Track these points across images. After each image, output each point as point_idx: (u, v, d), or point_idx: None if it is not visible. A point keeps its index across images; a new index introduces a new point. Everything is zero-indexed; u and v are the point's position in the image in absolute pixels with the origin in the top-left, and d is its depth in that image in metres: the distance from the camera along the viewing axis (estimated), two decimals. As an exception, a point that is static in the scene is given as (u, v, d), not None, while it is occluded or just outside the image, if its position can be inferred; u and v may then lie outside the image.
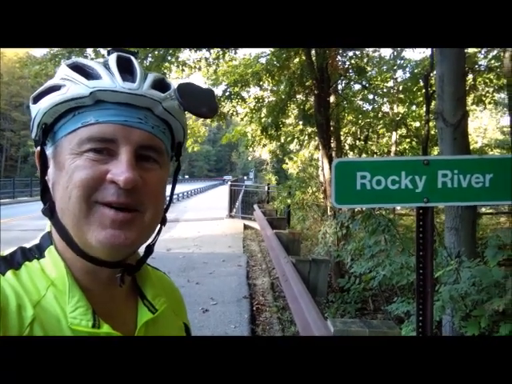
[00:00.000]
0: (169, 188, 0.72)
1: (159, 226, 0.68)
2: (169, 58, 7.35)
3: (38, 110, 0.61)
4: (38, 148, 0.63)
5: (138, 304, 0.69)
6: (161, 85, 0.63)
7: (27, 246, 0.65)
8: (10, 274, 0.58)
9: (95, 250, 0.59)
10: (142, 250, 0.71)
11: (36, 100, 0.61)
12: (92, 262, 0.61)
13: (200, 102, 0.63)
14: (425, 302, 1.81)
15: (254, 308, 5.16)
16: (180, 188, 30.86)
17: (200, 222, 13.34)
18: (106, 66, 0.61)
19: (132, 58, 0.63)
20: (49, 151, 0.62)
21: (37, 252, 0.63)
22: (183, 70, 8.25)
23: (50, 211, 0.61)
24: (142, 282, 0.71)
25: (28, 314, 0.54)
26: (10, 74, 37.04)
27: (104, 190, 0.57)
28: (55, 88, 0.60)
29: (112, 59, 0.61)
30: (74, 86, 0.58)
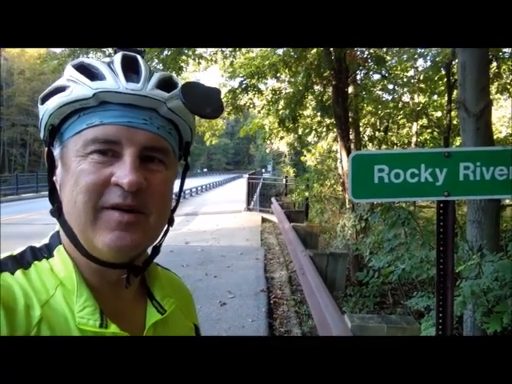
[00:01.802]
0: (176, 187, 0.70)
1: (166, 226, 0.67)
2: (185, 51, 7.34)
3: (44, 110, 0.61)
4: (46, 148, 0.63)
5: (146, 304, 0.68)
6: (167, 84, 0.62)
7: (37, 245, 0.65)
8: (19, 273, 0.58)
9: (101, 253, 0.59)
10: (149, 249, 0.70)
11: (43, 101, 0.61)
12: (98, 263, 0.60)
13: (204, 102, 0.61)
14: (445, 298, 1.76)
15: (272, 301, 5.16)
16: (199, 181, 31.06)
17: (218, 215, 13.41)
18: (110, 66, 0.60)
19: (138, 56, 0.62)
20: (56, 152, 0.62)
21: (46, 251, 0.63)
22: (199, 63, 8.23)
23: (57, 212, 0.62)
24: (151, 282, 0.71)
25: (36, 313, 0.54)
26: (31, 70, 37.85)
27: (109, 193, 0.56)
28: (60, 89, 0.60)
29: (117, 59, 0.61)
30: (77, 87, 0.58)
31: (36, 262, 0.60)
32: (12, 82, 39.40)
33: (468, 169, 1.73)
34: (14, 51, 40.70)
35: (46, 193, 0.64)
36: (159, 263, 0.83)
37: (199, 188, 25.96)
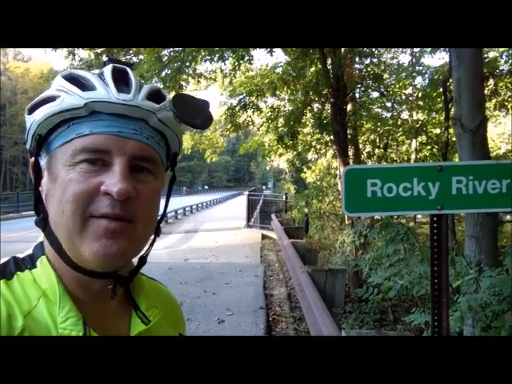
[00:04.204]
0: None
1: (153, 236, 0.68)
2: (185, 69, 7.44)
3: (32, 121, 0.61)
4: (33, 158, 0.63)
5: (131, 315, 0.68)
6: (156, 96, 0.63)
7: (20, 255, 0.65)
8: (1, 283, 0.58)
9: (87, 262, 0.58)
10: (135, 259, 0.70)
11: (31, 111, 0.61)
12: (83, 273, 0.60)
13: (194, 112, 0.63)
14: (440, 313, 1.74)
15: (271, 319, 5.10)
16: (199, 198, 31.08)
17: (218, 232, 13.37)
18: (101, 77, 0.61)
19: (127, 69, 0.63)
20: (43, 162, 0.62)
21: (29, 262, 0.63)
22: (199, 82, 8.33)
23: (43, 223, 0.62)
24: (136, 292, 0.71)
25: (18, 324, 0.54)
26: (35, 89, 38.23)
27: (98, 202, 0.57)
28: (50, 99, 0.60)
29: (107, 70, 0.61)
30: (68, 97, 0.58)
31: (19, 273, 0.60)
32: (15, 101, 39.83)
33: (461, 182, 1.73)
34: (19, 71, 41.25)
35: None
36: (158, 280, 0.83)
37: (199, 205, 25.95)
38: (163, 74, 7.07)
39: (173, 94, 0.65)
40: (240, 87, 9.85)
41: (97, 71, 0.63)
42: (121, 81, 0.61)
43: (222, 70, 8.65)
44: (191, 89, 9.59)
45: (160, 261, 7.86)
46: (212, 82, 9.19)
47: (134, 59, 7.20)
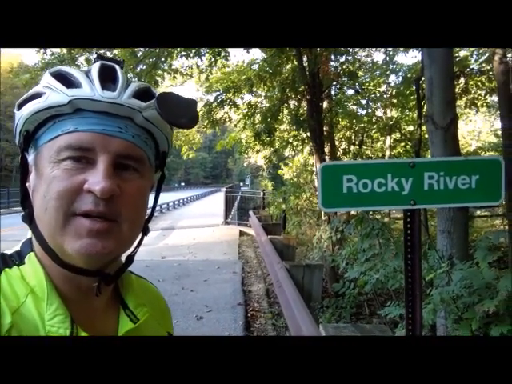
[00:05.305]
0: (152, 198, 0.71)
1: (141, 235, 0.68)
2: (161, 65, 7.35)
3: (20, 116, 0.61)
4: (21, 154, 0.63)
5: (119, 313, 0.68)
6: (143, 94, 0.62)
7: (8, 252, 0.64)
8: None
9: (72, 259, 0.58)
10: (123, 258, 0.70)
11: (20, 107, 0.62)
12: (70, 270, 0.60)
13: (179, 112, 0.62)
14: (414, 305, 1.79)
15: (249, 315, 5.13)
16: (176, 195, 30.83)
17: (196, 229, 13.30)
18: (87, 74, 0.60)
19: (116, 66, 0.63)
20: (30, 158, 0.62)
21: (17, 258, 0.62)
22: (175, 78, 8.25)
23: (28, 218, 0.61)
24: (125, 290, 0.71)
25: (6, 321, 0.54)
26: (4, 84, 36.99)
27: (81, 200, 0.56)
28: (37, 95, 0.60)
29: (95, 68, 0.61)
30: (53, 94, 0.59)
31: (6, 270, 0.60)
32: (-16, 96, 38.41)
33: (432, 178, 1.78)
34: (-14, 65, 39.76)
35: (18, 208, 0.64)
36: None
37: (176, 202, 25.73)
38: (138, 69, 6.98)
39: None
40: (216, 83, 9.81)
41: (86, 69, 0.63)
42: (108, 78, 0.61)
43: (198, 66, 8.59)
44: (167, 84, 9.50)
45: (136, 258, 7.74)
46: (188, 77, 9.12)
47: (108, 54, 7.07)
